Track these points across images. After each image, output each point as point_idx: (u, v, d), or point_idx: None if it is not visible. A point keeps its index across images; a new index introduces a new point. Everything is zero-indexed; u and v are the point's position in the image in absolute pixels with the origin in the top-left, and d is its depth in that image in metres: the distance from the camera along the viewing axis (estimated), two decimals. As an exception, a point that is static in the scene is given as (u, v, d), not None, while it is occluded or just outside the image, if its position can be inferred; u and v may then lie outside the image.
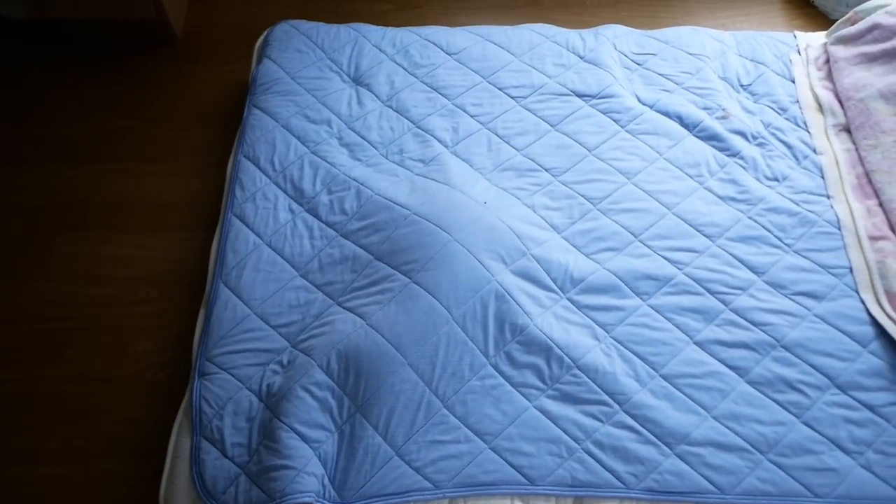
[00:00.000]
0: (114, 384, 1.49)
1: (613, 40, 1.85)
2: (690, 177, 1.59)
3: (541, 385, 1.29)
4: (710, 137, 1.66)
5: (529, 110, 1.70)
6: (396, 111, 1.68)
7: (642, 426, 1.25)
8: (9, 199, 1.76)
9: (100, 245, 1.68)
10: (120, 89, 1.96)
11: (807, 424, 1.27)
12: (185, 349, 1.49)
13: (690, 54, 1.81)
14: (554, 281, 1.41)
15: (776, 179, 1.60)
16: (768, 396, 1.30)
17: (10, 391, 1.49)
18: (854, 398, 1.30)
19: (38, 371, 1.51)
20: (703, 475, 1.21)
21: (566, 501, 1.20)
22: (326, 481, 1.17)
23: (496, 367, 1.30)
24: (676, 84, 1.76)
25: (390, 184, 1.51)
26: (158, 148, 1.84)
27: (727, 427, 1.26)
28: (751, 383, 1.31)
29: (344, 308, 1.34)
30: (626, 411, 1.27)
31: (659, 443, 1.24)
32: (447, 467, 1.20)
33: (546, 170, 1.59)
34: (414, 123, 1.65)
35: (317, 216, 1.49)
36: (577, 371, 1.30)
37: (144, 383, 1.49)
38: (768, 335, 1.36)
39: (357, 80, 1.74)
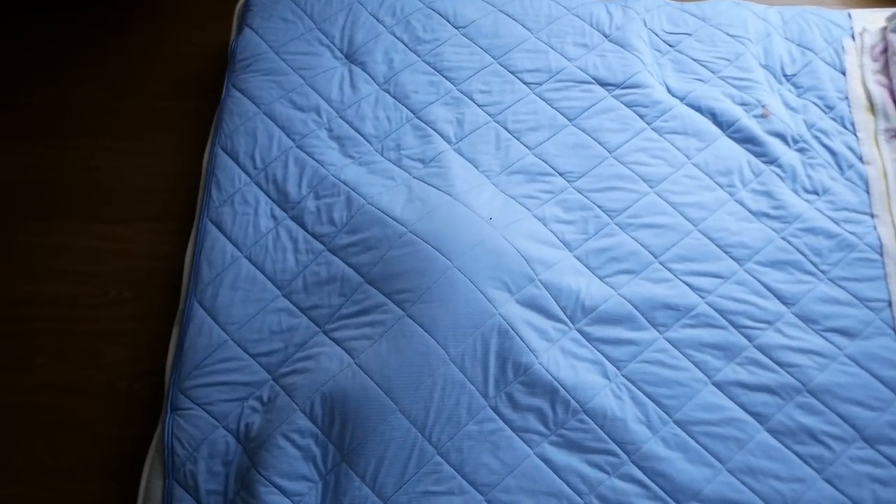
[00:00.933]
0: (84, 396, 1.39)
1: (644, 15, 1.64)
2: (721, 186, 1.44)
3: (544, 430, 1.19)
4: (746, 140, 1.48)
5: (545, 100, 1.52)
6: (394, 97, 1.49)
7: (651, 480, 1.16)
8: (-34, 178, 1.61)
9: (66, 235, 1.54)
10: (82, 50, 1.75)
11: (828, 482, 1.17)
12: (161, 359, 1.37)
13: (730, 35, 1.61)
14: (563, 310, 1.28)
15: (816, 193, 1.44)
16: (789, 448, 1.19)
17: (-28, 401, 1.39)
18: (881, 453, 1.20)
19: (2, 378, 1.40)
20: (713, 538, 1.13)
21: (565, 564, 1.12)
22: (308, 536, 1.09)
23: (496, 410, 1.19)
24: (712, 73, 1.57)
25: (385, 190, 1.35)
26: (128, 121, 1.67)
27: (742, 483, 1.17)
28: (771, 432, 1.21)
29: (330, 338, 1.22)
30: (634, 462, 1.17)
31: (668, 499, 1.15)
32: (439, 522, 1.11)
33: (560, 174, 1.43)
34: (414, 113, 1.47)
35: (302, 225, 1.34)
36: (583, 416, 1.19)
37: (118, 396, 1.39)
38: (794, 378, 1.25)
39: (350, 57, 1.55)
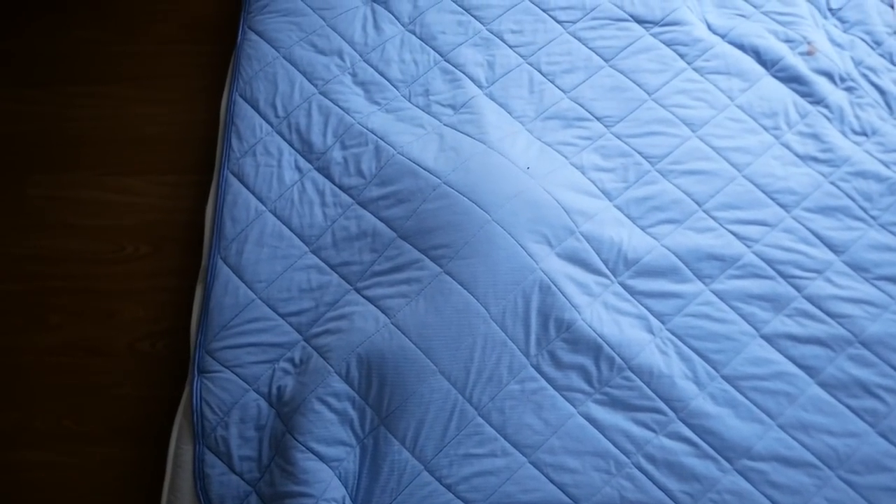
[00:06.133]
0: (104, 357, 1.34)
1: (681, -53, 1.53)
2: (766, 129, 1.36)
3: (587, 388, 1.14)
4: (791, 79, 1.40)
5: (579, 39, 1.42)
6: (420, 38, 1.40)
7: (700, 437, 1.12)
8: (-33, 129, 1.52)
9: (78, 188, 1.46)
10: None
11: (882, 436, 1.13)
12: (182, 318, 1.32)
13: (773, -33, 1.50)
14: (605, 263, 1.22)
15: (864, 134, 1.36)
16: (841, 402, 1.15)
17: (-12, 364, 1.34)
18: (937, 405, 1.16)
19: (15, 339, 1.35)
20: (765, 495, 1.09)
21: (612, 524, 1.09)
22: (349, 502, 1.05)
23: (538, 369, 1.14)
24: (754, 7, 1.47)
25: (415, 139, 1.27)
26: (136, 67, 1.57)
27: (794, 438, 1.13)
28: (822, 386, 1.16)
29: (364, 297, 1.16)
30: (682, 420, 1.13)
31: (718, 457, 1.11)
32: (482, 485, 1.08)
33: (597, 118, 1.35)
34: (441, 56, 1.38)
35: (329, 177, 1.26)
36: (628, 373, 1.15)
37: (140, 356, 1.34)
38: (845, 329, 1.19)
39: (373, -6, 1.44)
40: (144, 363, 1.33)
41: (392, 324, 1.11)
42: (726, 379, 1.16)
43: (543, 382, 1.14)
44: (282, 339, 1.15)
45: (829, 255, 1.26)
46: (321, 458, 1.04)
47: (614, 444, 1.11)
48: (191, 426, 1.11)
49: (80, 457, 1.26)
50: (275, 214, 1.24)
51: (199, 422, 1.10)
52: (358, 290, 1.17)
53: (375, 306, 1.14)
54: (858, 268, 1.25)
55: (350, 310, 1.14)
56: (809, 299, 1.22)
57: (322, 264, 1.20)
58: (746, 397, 1.15)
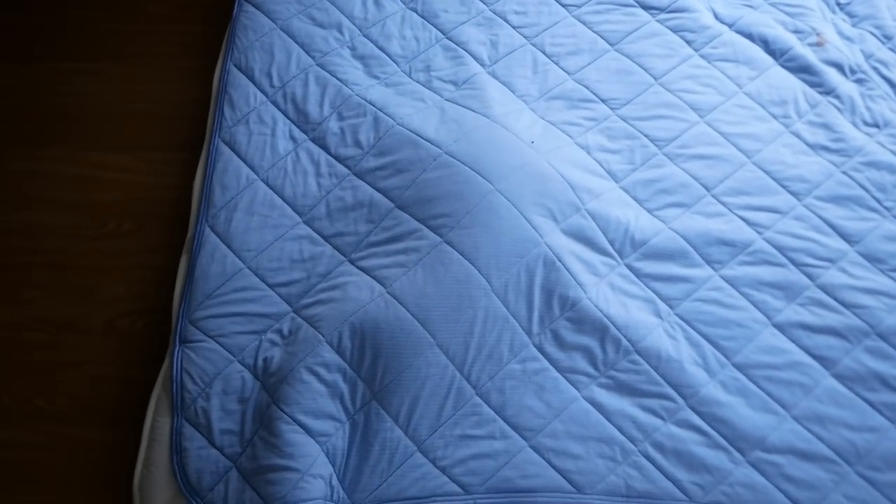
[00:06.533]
0: (80, 334, 1.27)
1: (687, -62, 1.52)
2: (775, 117, 1.32)
3: (592, 371, 1.08)
4: (801, 69, 1.37)
5: (584, 23, 1.39)
6: (422, 16, 1.37)
7: (711, 426, 1.05)
8: (-49, 102, 1.47)
9: (59, 163, 1.41)
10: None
11: (903, 431, 1.07)
12: (165, 297, 1.26)
13: (780, -39, 1.49)
14: (611, 243, 1.16)
15: (876, 126, 1.33)
16: (859, 395, 1.09)
17: (-46, 337, 1.27)
18: (957, 401, 1.10)
19: (-12, 314, 1.28)
20: (780, 489, 1.02)
21: (618, 513, 1.01)
22: (335, 481, 0.97)
23: (540, 348, 1.08)
24: (762, -1, 1.45)
25: (415, 111, 1.23)
26: (128, 45, 1.53)
27: (810, 431, 1.06)
28: (838, 378, 1.10)
29: (358, 268, 1.10)
30: (691, 407, 1.07)
31: (730, 448, 1.04)
32: (479, 468, 1.00)
33: (603, 101, 1.31)
34: (443, 34, 1.35)
35: (324, 147, 1.21)
36: (635, 356, 1.09)
37: (117, 334, 1.27)
38: (861, 320, 1.14)
39: (373, -27, 1.41)
40: (122, 342, 1.26)
41: (388, 293, 1.05)
42: (738, 367, 1.10)
43: (546, 363, 1.07)
44: (270, 309, 1.09)
45: (843, 245, 1.21)
46: (308, 431, 0.97)
47: (620, 430, 1.05)
48: (169, 398, 1.03)
49: (51, 437, 1.18)
50: (267, 184, 1.18)
51: (179, 393, 1.03)
52: (352, 262, 1.11)
53: (371, 276, 1.08)
54: (874, 258, 1.20)
55: (343, 280, 1.08)
56: (823, 288, 1.17)
57: (315, 235, 1.14)
58: (759, 387, 1.09)
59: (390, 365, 1.01)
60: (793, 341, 1.13)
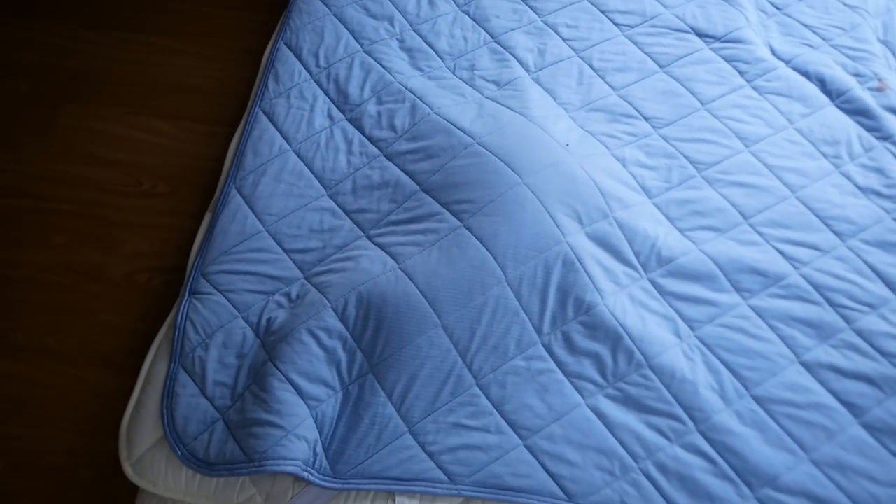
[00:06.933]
0: (99, 283, 1.28)
1: (750, -24, 1.51)
2: (825, 156, 1.28)
3: (600, 380, 1.03)
4: (858, 112, 1.33)
5: (635, 43, 1.39)
6: (474, 19, 1.38)
7: (720, 455, 0.99)
8: (20, 58, 1.54)
9: (108, 122, 1.45)
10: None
11: (932, 492, 0.99)
12: (185, 259, 1.27)
13: (846, 5, 1.46)
14: (637, 255, 1.13)
15: (933, 177, 1.27)
16: (887, 448, 1.01)
17: (-19, 270, 1.30)
18: None
19: (14, 252, 1.31)
20: (789, 532, 0.95)
21: (609, 531, 0.95)
22: (319, 448, 0.94)
23: (548, 349, 1.04)
24: (823, 39, 1.42)
25: (454, 104, 1.23)
26: (188, 23, 1.59)
27: (829, 478, 0.99)
28: (867, 427, 1.03)
29: (374, 243, 1.09)
30: (701, 432, 1.00)
31: (738, 480, 0.97)
32: (469, 459, 0.96)
33: (645, 118, 1.29)
34: (492, 37, 1.36)
35: (359, 128, 1.22)
36: (647, 371, 1.03)
37: (134, 288, 1.28)
38: (897, 370, 1.07)
39: (433, -24, 1.44)
40: (138, 296, 1.27)
41: (400, 268, 1.03)
42: (757, 399, 1.04)
43: (552, 364, 1.03)
44: (282, 273, 1.08)
45: (886, 292, 1.14)
46: (299, 392, 0.95)
47: (622, 444, 0.99)
48: (170, 346, 1.03)
49: (55, 375, 1.19)
50: (298, 155, 1.19)
51: (180, 340, 1.02)
52: (370, 237, 1.10)
53: (385, 252, 1.06)
54: (917, 309, 1.13)
55: (358, 253, 1.07)
56: (860, 333, 1.10)
57: (337, 209, 1.14)
58: (778, 423, 1.03)
59: (391, 339, 0.99)
60: (820, 382, 1.06)
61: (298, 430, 0.92)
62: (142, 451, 0.98)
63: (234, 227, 1.11)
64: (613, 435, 1.00)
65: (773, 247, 1.17)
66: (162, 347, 1.04)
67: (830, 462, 1.00)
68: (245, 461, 0.92)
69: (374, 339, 1.00)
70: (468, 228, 1.06)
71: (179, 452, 0.95)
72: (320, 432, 0.95)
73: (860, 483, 0.98)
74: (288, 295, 1.06)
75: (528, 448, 0.98)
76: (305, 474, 0.93)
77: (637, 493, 0.96)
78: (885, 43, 1.44)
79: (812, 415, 1.03)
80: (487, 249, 1.04)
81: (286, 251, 1.10)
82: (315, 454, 0.93)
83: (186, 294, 1.07)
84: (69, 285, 1.27)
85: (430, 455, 0.96)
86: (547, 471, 0.96)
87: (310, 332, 0.98)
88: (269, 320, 1.03)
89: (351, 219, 1.13)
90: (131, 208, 1.35)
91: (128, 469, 0.97)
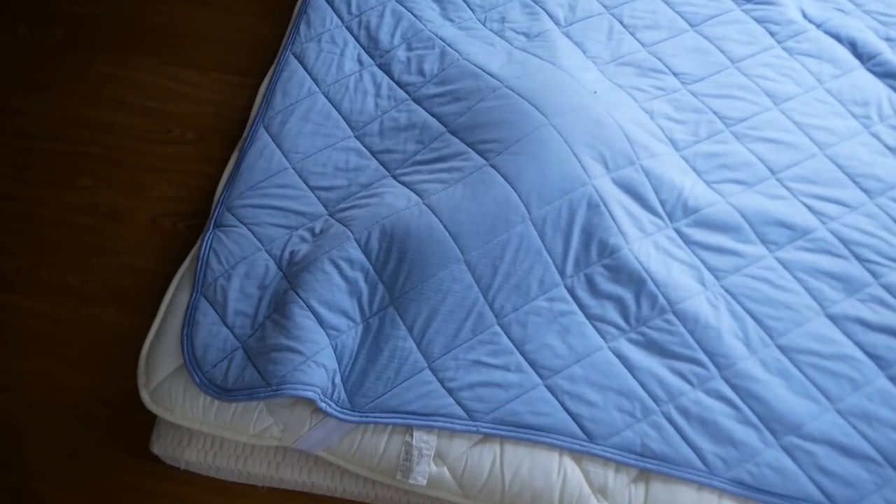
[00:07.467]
0: (124, 225, 1.29)
1: (783, -58, 1.49)
2: (854, 116, 1.26)
3: (623, 324, 1.02)
4: (888, 74, 1.31)
5: (666, 2, 1.38)
6: (505, -25, 1.38)
7: (744, 401, 0.98)
8: (58, 5, 1.56)
9: (140, 72, 1.47)
10: None
11: (959, 446, 0.97)
12: (210, 205, 1.27)
13: (880, -28, 1.45)
14: (662, 204, 1.12)
15: (965, 140, 1.25)
16: (914, 400, 1.00)
17: (10, 209, 1.31)
18: None
19: (45, 193, 1.32)
20: (812, 479, 0.93)
21: (629, 471, 0.94)
22: (338, 380, 0.95)
23: (571, 291, 1.03)
24: (855, 5, 1.40)
25: (482, 51, 1.23)
26: (230, -21, 1.60)
27: (854, 427, 0.97)
28: (893, 380, 1.01)
29: (399, 182, 1.09)
30: (725, 378, 0.99)
31: (762, 427, 0.96)
32: (488, 396, 0.96)
33: (674, 74, 1.28)
34: (524, -9, 1.36)
35: (388, 73, 1.22)
36: (671, 316, 1.03)
37: (158, 231, 1.29)
38: (926, 326, 1.05)
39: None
40: (162, 239, 1.28)
41: (424, 203, 1.03)
42: (782, 349, 1.03)
43: (574, 307, 1.03)
44: (307, 209, 1.08)
45: (915, 250, 1.12)
46: (320, 320, 0.95)
47: (644, 387, 0.98)
48: (193, 276, 1.03)
49: (76, 313, 1.20)
50: (327, 97, 1.20)
51: (203, 270, 1.03)
52: (395, 177, 1.10)
53: (410, 189, 1.06)
54: (946, 267, 1.11)
55: (383, 190, 1.07)
56: (887, 288, 1.09)
57: (363, 149, 1.14)
58: (803, 372, 1.01)
59: (413, 272, 0.99)
60: (846, 335, 1.04)
61: (317, 357, 0.92)
62: (160, 378, 0.98)
63: (260, 164, 1.12)
64: (635, 378, 0.99)
65: (801, 201, 1.16)
66: (184, 279, 1.04)
67: (856, 412, 0.98)
68: (263, 385, 0.92)
69: (396, 271, 1.00)
70: (493, 167, 1.05)
71: (198, 379, 0.96)
72: (339, 364, 0.95)
73: (886, 433, 0.97)
74: (311, 230, 1.06)
75: (549, 387, 0.97)
76: (323, 405, 0.93)
77: (658, 435, 0.95)
78: (919, 8, 1.41)
79: (838, 365, 1.02)
80: (512, 187, 1.04)
81: (311, 188, 1.11)
82: (333, 385, 0.94)
83: (211, 227, 1.07)
84: (95, 226, 1.28)
85: (450, 391, 0.95)
86: (567, 410, 0.96)
87: (332, 262, 0.98)
88: (291, 253, 1.03)
89: (377, 159, 1.13)
90: (159, 154, 1.36)
91: (145, 396, 0.97)
